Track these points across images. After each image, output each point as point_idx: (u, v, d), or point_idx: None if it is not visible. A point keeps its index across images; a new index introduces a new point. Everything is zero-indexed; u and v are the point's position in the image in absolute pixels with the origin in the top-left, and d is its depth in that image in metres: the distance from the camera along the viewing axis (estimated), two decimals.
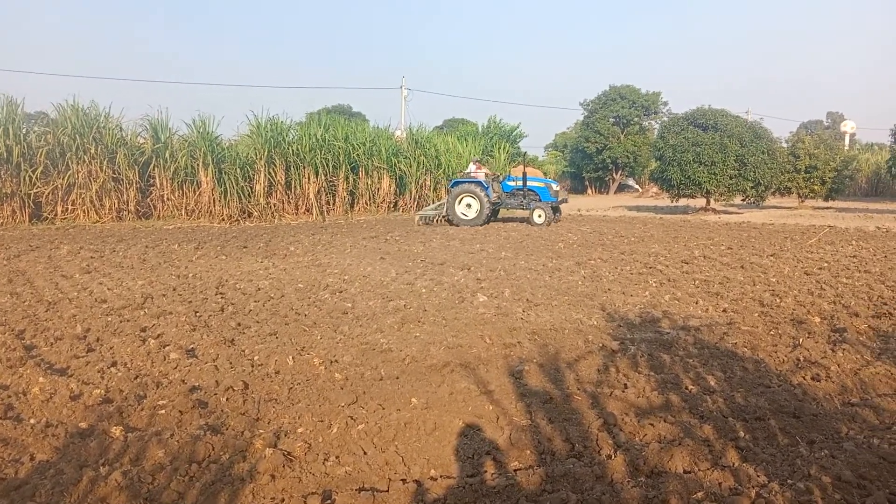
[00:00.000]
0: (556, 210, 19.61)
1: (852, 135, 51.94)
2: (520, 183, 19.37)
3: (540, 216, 18.19)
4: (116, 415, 3.94)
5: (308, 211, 21.19)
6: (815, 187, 26.55)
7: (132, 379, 4.64)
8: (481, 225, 18.31)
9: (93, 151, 18.68)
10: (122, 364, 5.03)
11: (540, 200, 18.85)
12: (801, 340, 5.63)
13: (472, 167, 19.95)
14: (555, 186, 19.48)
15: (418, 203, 24.25)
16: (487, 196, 18.50)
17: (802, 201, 28.24)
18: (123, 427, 3.75)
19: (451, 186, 19.41)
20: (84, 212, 18.65)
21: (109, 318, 6.49)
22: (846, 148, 39.06)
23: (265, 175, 20.30)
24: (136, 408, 4.06)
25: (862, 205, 30.98)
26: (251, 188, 20.15)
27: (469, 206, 18.58)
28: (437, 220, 19.42)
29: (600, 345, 5.57)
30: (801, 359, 5.14)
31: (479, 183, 18.82)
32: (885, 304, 7.16)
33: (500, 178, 20.34)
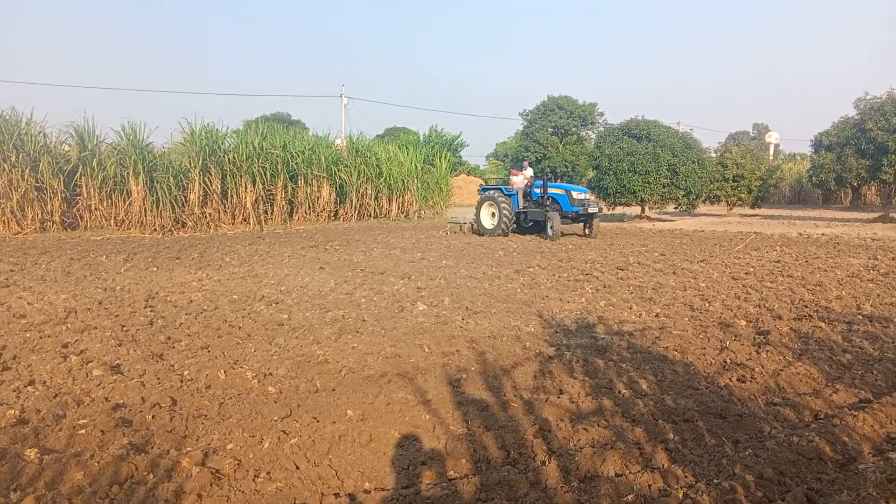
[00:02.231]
0: (581, 219, 17.28)
1: (776, 145, 54.65)
2: (547, 190, 17.42)
3: (551, 228, 16.31)
4: (32, 436, 3.72)
5: (245, 220, 20.71)
6: (743, 195, 27.73)
7: (51, 398, 4.40)
8: (500, 236, 16.99)
9: (13, 159, 17.73)
10: (41, 382, 4.77)
11: (561, 210, 16.91)
12: (727, 343, 5.84)
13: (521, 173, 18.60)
14: (577, 194, 16.91)
15: (359, 212, 24.03)
16: (511, 205, 17.13)
17: (731, 209, 29.44)
18: (39, 449, 3.54)
19: (480, 193, 18.39)
20: (4, 223, 17.66)
21: (28, 334, 6.15)
22: (771, 158, 40.98)
23: (200, 184, 19.72)
24: (54, 428, 3.85)
25: (786, 212, 32.52)
26: (185, 197, 19.53)
27: (493, 215, 17.47)
28: (465, 229, 18.57)
29: (537, 351, 5.63)
30: (728, 361, 5.33)
31: (499, 189, 17.75)
32: (806, 306, 7.51)
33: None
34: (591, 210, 16.89)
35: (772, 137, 54.74)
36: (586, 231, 17.42)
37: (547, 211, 16.77)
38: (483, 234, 17.47)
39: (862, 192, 38.29)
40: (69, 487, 3.12)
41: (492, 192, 17.83)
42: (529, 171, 18.73)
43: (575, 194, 16.90)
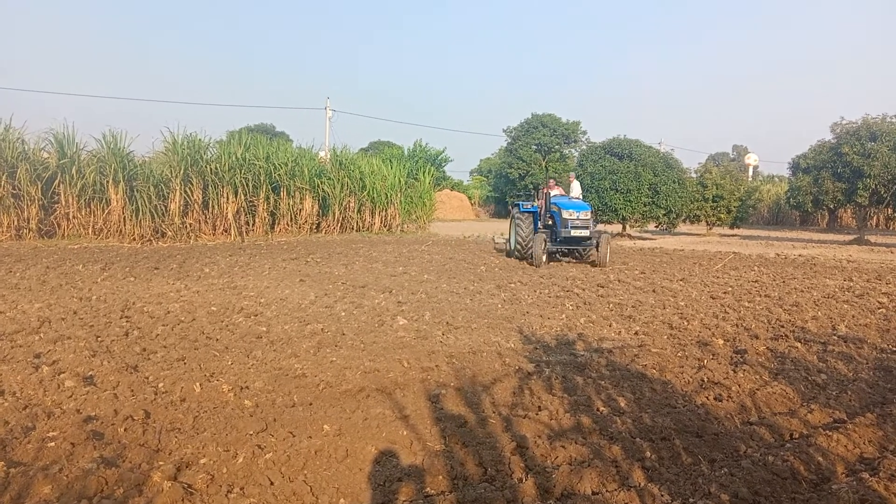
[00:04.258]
0: (574, 243, 14.47)
1: (755, 167, 55.64)
2: (549, 208, 14.89)
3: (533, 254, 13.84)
4: None
5: (226, 231, 20.52)
6: (722, 215, 28.11)
7: (20, 409, 4.30)
8: (518, 259, 14.74)
9: None
10: (10, 393, 4.67)
11: (558, 231, 14.38)
12: (705, 362, 5.88)
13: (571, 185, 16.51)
14: (567, 213, 14.12)
15: (342, 225, 23.93)
16: (528, 224, 14.76)
17: (710, 228, 29.80)
18: (6, 462, 3.45)
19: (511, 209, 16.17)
20: None
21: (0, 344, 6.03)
22: (749, 179, 41.64)
23: (181, 194, 19.54)
24: (23, 440, 3.76)
25: (764, 232, 32.98)
26: (165, 207, 19.33)
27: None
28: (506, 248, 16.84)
29: (517, 367, 5.63)
30: (705, 379, 5.36)
31: (516, 205, 15.62)
32: (783, 326, 7.60)
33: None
34: (574, 233, 14.08)
35: (751, 159, 55.74)
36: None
37: (544, 231, 14.52)
38: (510, 256, 15.54)
39: (838, 215, 39.02)
40: (36, 502, 3.05)
41: (515, 209, 15.61)
42: (577, 186, 16.32)
43: (565, 213, 14.16)
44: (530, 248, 14.07)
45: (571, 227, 14.07)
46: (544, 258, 13.99)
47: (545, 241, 14.04)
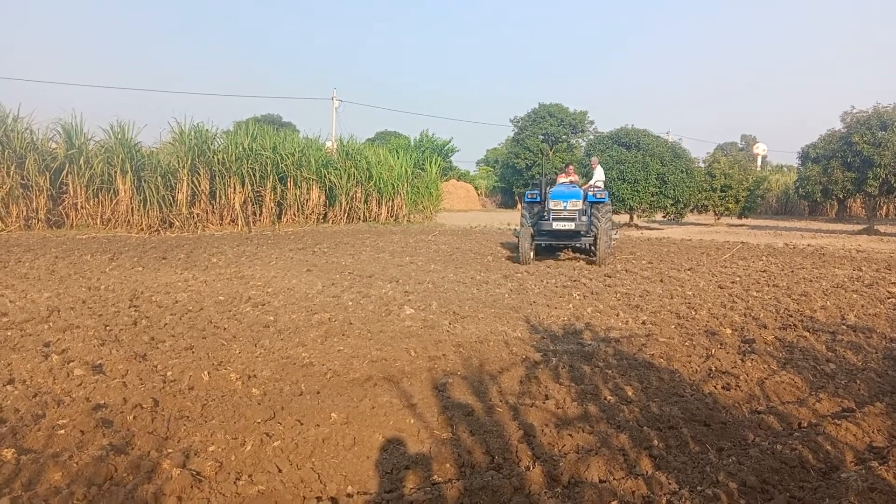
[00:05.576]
0: (563, 238, 12.85)
1: (764, 156, 55.28)
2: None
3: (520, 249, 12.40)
4: (10, 436, 3.66)
5: (233, 222, 20.58)
6: (730, 205, 27.92)
7: (30, 397, 4.33)
8: (519, 256, 12.43)
9: None
10: (20, 381, 4.71)
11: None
12: (713, 351, 5.86)
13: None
14: (553, 203, 12.60)
15: (348, 215, 23.93)
16: (530, 215, 13.48)
17: (718, 218, 29.65)
18: (16, 449, 3.48)
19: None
20: None
21: (9, 333, 6.07)
22: (758, 169, 41.48)
23: (188, 184, 19.59)
24: (33, 428, 3.79)
25: (772, 222, 32.77)
26: (173, 197, 19.39)
27: None
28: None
29: (524, 356, 5.62)
30: (713, 369, 5.34)
31: (523, 195, 14.16)
32: (791, 316, 7.55)
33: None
34: (556, 226, 12.39)
35: (759, 149, 55.39)
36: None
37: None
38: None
39: (847, 205, 38.68)
40: (46, 488, 3.07)
41: (525, 201, 14.19)
42: (599, 172, 14.90)
43: (550, 203, 12.66)
44: (530, 244, 12.60)
45: (553, 219, 12.46)
46: (531, 255, 12.58)
47: (532, 235, 12.68)
